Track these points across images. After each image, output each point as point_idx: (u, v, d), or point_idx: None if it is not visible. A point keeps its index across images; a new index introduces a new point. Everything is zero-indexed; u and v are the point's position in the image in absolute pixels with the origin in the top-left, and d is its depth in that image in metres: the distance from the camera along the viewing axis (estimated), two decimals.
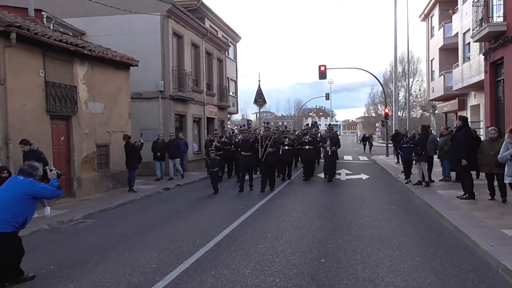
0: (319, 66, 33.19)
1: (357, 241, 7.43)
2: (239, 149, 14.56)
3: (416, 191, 12.86)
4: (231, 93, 33.28)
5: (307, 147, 16.50)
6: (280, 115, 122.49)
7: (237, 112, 40.46)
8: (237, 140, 17.09)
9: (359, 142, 42.42)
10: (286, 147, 16.28)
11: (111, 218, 10.26)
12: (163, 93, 19.74)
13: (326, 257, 6.44)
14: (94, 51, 13.43)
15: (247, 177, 14.12)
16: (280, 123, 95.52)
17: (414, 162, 14.51)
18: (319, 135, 20.52)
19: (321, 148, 16.62)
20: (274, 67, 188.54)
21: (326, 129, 19.11)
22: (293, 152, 17.44)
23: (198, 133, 24.29)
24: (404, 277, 5.56)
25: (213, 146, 16.15)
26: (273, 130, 18.63)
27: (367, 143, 40.02)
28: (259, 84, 14.63)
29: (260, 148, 13.68)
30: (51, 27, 16.72)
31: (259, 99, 14.45)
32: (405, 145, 14.63)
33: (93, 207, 11.57)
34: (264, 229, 8.38)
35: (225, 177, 17.77)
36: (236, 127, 24.66)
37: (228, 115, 37.03)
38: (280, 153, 15.32)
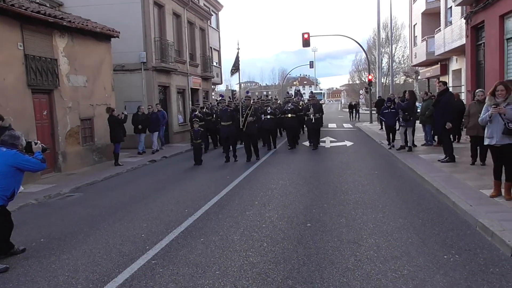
0: (303, 34, 33.00)
1: (342, 205, 7.63)
2: (219, 119, 14.56)
3: (399, 156, 13.12)
4: (214, 63, 32.97)
5: (289, 115, 16.53)
6: (265, 84, 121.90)
7: (221, 83, 40.25)
8: (216, 111, 17.11)
9: (346, 109, 41.93)
10: (268, 116, 16.20)
11: (99, 191, 10.32)
12: (145, 65, 19.52)
13: (312, 222, 6.62)
14: (73, 23, 13.17)
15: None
16: (265, 93, 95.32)
17: (398, 127, 14.70)
18: (301, 103, 20.41)
19: (305, 117, 16.39)
20: (258, 36, 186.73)
21: (309, 97, 19.07)
22: (276, 121, 17.35)
23: (183, 104, 24.18)
24: (387, 238, 5.77)
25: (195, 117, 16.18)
26: (257, 99, 18.49)
27: (354, 111, 39.60)
28: (238, 52, 14.46)
29: (240, 118, 13.62)
30: None
31: (233, 67, 14.38)
32: (387, 111, 14.65)
33: (79, 180, 11.60)
34: (251, 197, 8.53)
35: (211, 148, 17.87)
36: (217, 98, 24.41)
37: (213, 86, 36.83)
38: (262, 122, 15.40)
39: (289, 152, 15.66)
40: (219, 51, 35.48)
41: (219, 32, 35.97)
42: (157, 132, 17.69)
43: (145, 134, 17.33)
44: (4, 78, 10.85)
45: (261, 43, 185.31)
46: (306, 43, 33.15)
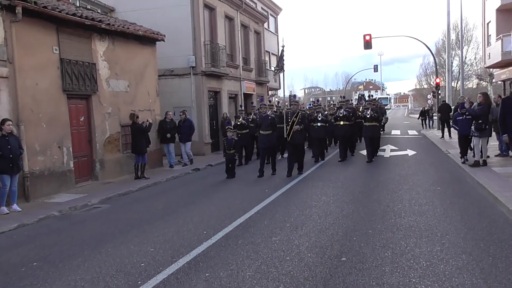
0: (364, 36, 31.32)
1: (391, 232, 6.28)
2: (258, 127, 13.07)
3: (467, 168, 11.38)
4: (272, 68, 32.06)
5: (341, 122, 14.74)
6: (329, 90, 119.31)
7: (279, 88, 39.24)
8: (254, 117, 15.49)
9: (417, 117, 35.38)
10: (319, 124, 14.64)
11: (127, 203, 9.60)
12: (195, 69, 18.89)
13: (348, 255, 5.36)
14: (113, 25, 12.68)
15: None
16: (329, 98, 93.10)
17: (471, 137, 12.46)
18: (361, 109, 18.45)
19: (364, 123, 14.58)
20: (322, 41, 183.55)
21: (365, 101, 17.34)
22: (328, 129, 15.73)
23: (234, 110, 23.39)
24: (443, 284, 4.41)
25: (237, 123, 15.11)
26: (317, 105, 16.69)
27: (427, 118, 32.26)
28: (282, 50, 13.28)
29: (285, 126, 12.20)
30: (77, 4, 16.23)
31: (277, 66, 13.13)
32: (460, 117, 12.29)
33: (113, 190, 11.00)
34: (284, 216, 7.37)
35: (253, 158, 16.56)
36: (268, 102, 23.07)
37: (272, 91, 35.89)
38: (312, 131, 14.08)
39: (340, 164, 13.94)
40: (277, 56, 34.50)
41: (277, 36, 35.04)
42: (190, 142, 15.79)
43: (173, 144, 15.45)
44: (37, 82, 10.47)
45: (326, 48, 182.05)
46: (367, 45, 31.40)
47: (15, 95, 9.81)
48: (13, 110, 9.77)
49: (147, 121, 13.40)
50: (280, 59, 13.14)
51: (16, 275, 5.21)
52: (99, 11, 17.32)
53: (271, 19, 33.66)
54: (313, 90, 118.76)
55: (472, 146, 12.41)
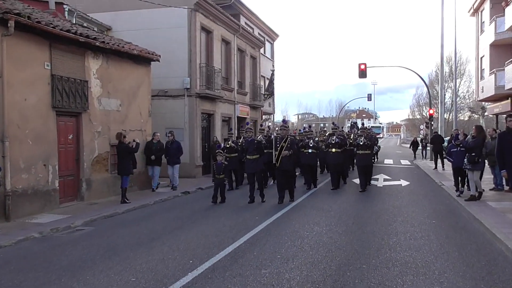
0: (359, 65, 31.43)
1: (386, 267, 5.99)
2: (245, 152, 12.66)
3: (462, 202, 11.16)
4: (267, 93, 32.03)
5: (333, 150, 14.14)
6: (322, 116, 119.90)
7: (273, 112, 39.18)
8: (242, 141, 14.94)
9: (409, 147, 33.59)
10: (310, 150, 14.28)
11: (111, 227, 9.22)
12: (189, 91, 18.74)
13: None
14: (108, 43, 12.51)
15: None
16: (322, 125, 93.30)
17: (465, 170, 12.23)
18: (352, 136, 18.19)
19: (356, 151, 14.33)
20: (317, 67, 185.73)
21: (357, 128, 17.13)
22: (320, 156, 15.50)
23: (227, 133, 23.16)
24: None
25: (226, 145, 14.72)
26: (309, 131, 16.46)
27: (420, 148, 31.04)
28: (272, 74, 13.10)
29: (274, 151, 11.79)
30: (73, 21, 16.08)
31: (266, 90, 12.92)
32: (455, 149, 12.14)
33: (98, 212, 10.61)
34: (274, 247, 7.05)
35: (245, 182, 16.02)
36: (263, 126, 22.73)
37: (266, 116, 35.76)
38: (303, 157, 13.80)
39: (332, 193, 13.51)
40: (272, 81, 34.57)
41: (273, 61, 35.17)
42: (178, 165, 14.99)
43: (159, 167, 14.67)
44: (26, 98, 10.19)
45: (320, 75, 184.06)
46: (362, 74, 31.52)
47: (1, 109, 9.52)
48: None
49: (134, 141, 12.77)
50: (270, 84, 12.94)
51: None
52: (95, 29, 17.19)
53: (267, 44, 33.82)
54: (306, 116, 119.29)
55: (466, 180, 12.21)
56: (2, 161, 9.45)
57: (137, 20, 18.95)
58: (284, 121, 12.46)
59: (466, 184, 12.33)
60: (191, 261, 6.27)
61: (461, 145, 11.85)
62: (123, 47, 13.34)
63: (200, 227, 8.77)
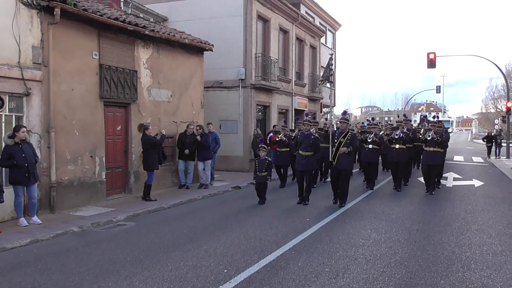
0: (428, 54, 29.50)
1: None
2: (298, 146, 11.13)
3: None
4: (328, 85, 30.79)
5: (397, 146, 12.63)
6: (387, 109, 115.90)
7: (334, 105, 37.81)
8: (296, 134, 13.31)
9: (478, 140, 30.25)
10: (370, 146, 12.89)
11: (153, 222, 8.77)
12: (244, 82, 18.10)
13: None
14: (157, 32, 12.10)
15: None
16: (386, 118, 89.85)
17: None
18: (422, 131, 16.32)
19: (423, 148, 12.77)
20: (381, 59, 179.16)
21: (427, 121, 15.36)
22: (381, 153, 14.02)
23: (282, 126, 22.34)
24: None
25: (276, 139, 13.83)
26: (373, 124, 15.07)
27: (493, 144, 27.31)
28: (330, 58, 11.84)
29: (331, 147, 10.60)
30: (129, 12, 15.93)
31: (322, 76, 11.56)
32: None
33: (143, 206, 10.27)
34: (324, 257, 6.19)
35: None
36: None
37: (326, 109, 34.57)
38: (362, 154, 12.54)
39: (394, 194, 12.21)
40: (333, 72, 33.26)
41: (335, 52, 33.84)
42: (210, 161, 13.53)
43: (193, 162, 13.35)
44: (73, 88, 9.96)
45: (385, 67, 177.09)
46: (431, 64, 29.53)
47: (47, 100, 9.31)
48: (44, 115, 9.27)
49: (161, 132, 11.57)
50: (326, 69, 11.66)
51: None
52: (151, 20, 16.96)
53: (329, 34, 32.56)
54: (370, 109, 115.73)
55: None
56: (47, 152, 9.28)
57: (193, 10, 18.58)
58: (344, 113, 11.07)
59: None
60: (225, 270, 5.57)
61: None
62: (174, 36, 12.89)
63: (243, 228, 8.07)
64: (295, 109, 23.04)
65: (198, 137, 12.96)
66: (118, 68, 11.18)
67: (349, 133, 10.29)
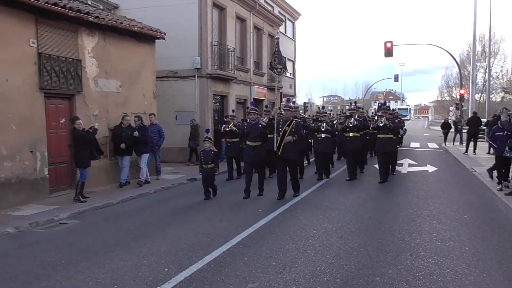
0: (385, 43, 30.00)
1: (405, 281, 4.81)
2: (244, 137, 10.75)
3: (498, 192, 9.81)
4: (288, 74, 30.63)
5: (351, 134, 12.39)
6: (348, 98, 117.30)
7: (294, 95, 37.74)
8: (243, 125, 12.51)
9: (435, 127, 30.88)
10: (323, 135, 12.32)
11: (98, 220, 8.28)
12: (199, 71, 17.61)
13: None
14: (103, 19, 11.47)
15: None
16: (347, 107, 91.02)
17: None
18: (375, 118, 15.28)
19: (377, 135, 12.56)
20: (342, 49, 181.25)
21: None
22: (335, 142, 13.61)
23: (243, 115, 22.02)
24: None
25: (226, 129, 13.43)
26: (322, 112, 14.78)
27: (455, 131, 26.20)
28: (277, 42, 11.27)
29: (275, 136, 9.87)
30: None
31: (278, 64, 10.92)
32: (500, 133, 10.08)
33: (89, 202, 9.71)
34: (272, 250, 5.92)
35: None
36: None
37: (286, 98, 34.46)
38: (315, 143, 12.27)
39: (348, 184, 11.80)
40: (293, 61, 33.17)
41: (295, 41, 33.72)
42: (147, 155, 12.51)
43: (130, 157, 12.15)
44: (7, 79, 9.25)
45: (346, 57, 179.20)
46: (388, 52, 30.05)
47: None
48: None
49: (92, 126, 10.48)
50: (279, 55, 10.85)
51: None
52: (101, 7, 16.18)
53: (288, 23, 32.37)
54: (331, 98, 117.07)
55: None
56: None
57: None
58: (288, 100, 10.62)
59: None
60: (166, 269, 5.21)
61: (505, 128, 9.95)
62: (121, 23, 12.27)
63: (194, 222, 7.70)
64: (254, 99, 22.70)
65: (136, 133, 11.96)
66: (59, 57, 10.50)
67: (293, 121, 9.80)
